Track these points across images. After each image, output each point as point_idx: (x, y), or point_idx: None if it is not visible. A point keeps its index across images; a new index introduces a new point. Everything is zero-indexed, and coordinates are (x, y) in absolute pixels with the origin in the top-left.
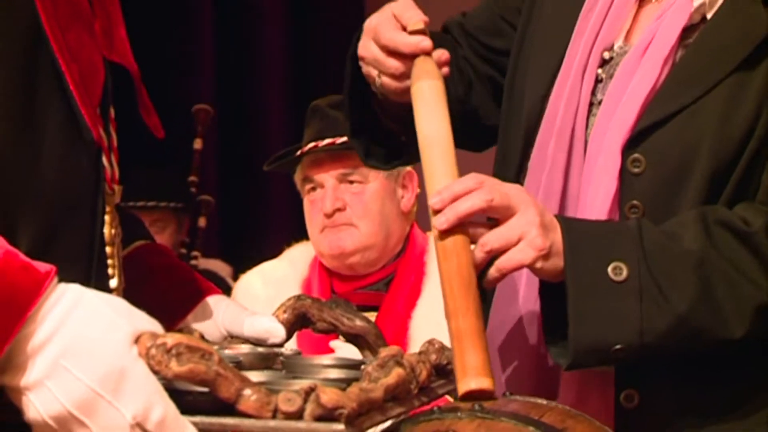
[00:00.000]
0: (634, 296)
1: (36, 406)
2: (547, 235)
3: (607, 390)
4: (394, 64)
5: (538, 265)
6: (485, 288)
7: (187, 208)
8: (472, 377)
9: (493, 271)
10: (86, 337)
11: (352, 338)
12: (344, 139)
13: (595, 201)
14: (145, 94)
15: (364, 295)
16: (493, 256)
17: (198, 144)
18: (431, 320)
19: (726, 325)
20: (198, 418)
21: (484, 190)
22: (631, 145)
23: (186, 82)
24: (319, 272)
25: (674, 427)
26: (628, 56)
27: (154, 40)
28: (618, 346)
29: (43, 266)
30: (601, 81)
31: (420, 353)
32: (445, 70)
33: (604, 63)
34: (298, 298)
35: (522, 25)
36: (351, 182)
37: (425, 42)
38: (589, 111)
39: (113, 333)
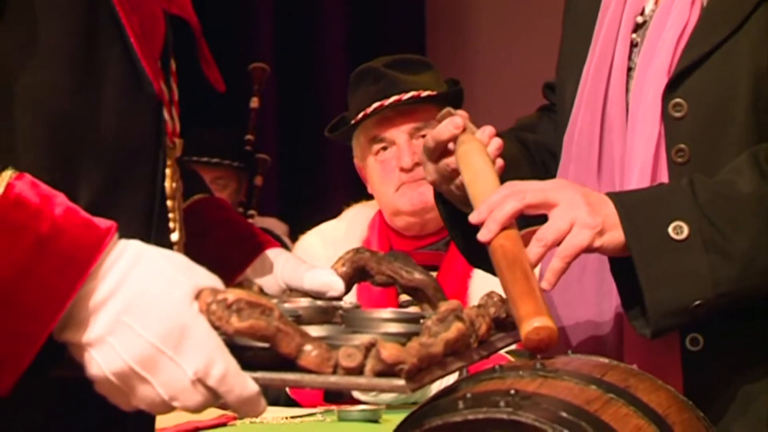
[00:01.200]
0: (700, 250)
1: (98, 362)
2: (598, 211)
3: (673, 334)
4: (446, 161)
5: (597, 243)
6: (558, 279)
7: (247, 167)
8: (533, 317)
9: (556, 262)
10: (147, 294)
11: (411, 291)
12: (410, 95)
13: (639, 150)
14: (206, 47)
15: (423, 254)
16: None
17: (255, 102)
18: (491, 279)
19: None
20: (259, 374)
21: (516, 192)
22: (670, 90)
23: (243, 39)
24: (378, 232)
25: (740, 369)
26: (658, 12)
27: None
28: (697, 302)
29: (103, 222)
30: (636, 45)
31: (479, 306)
32: (495, 143)
33: (637, 28)
34: (356, 251)
35: (563, 26)
36: (423, 136)
37: (452, 118)
38: (628, 76)
39: (174, 289)
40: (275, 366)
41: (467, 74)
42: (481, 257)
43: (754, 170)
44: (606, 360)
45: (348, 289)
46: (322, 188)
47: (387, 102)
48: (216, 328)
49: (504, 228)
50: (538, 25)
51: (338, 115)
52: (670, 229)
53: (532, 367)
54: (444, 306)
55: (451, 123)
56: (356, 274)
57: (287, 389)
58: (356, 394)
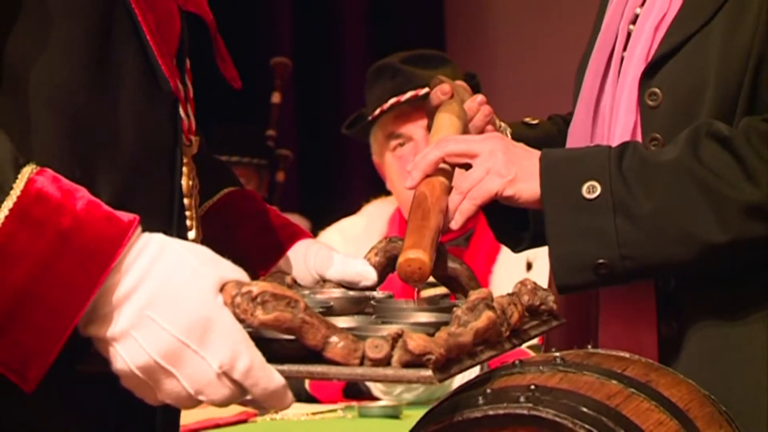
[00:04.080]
0: (608, 211)
1: (123, 356)
2: (515, 162)
3: (649, 316)
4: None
5: (509, 191)
6: (467, 221)
7: (269, 163)
8: (409, 249)
9: (465, 203)
10: (171, 287)
11: (445, 280)
12: (427, 90)
13: (618, 140)
14: (222, 44)
15: None
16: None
17: (276, 98)
18: (512, 275)
19: (707, 227)
20: (285, 366)
21: (440, 143)
22: (647, 77)
23: (263, 34)
24: (399, 228)
25: (709, 356)
26: (649, 0)
27: None
28: (600, 260)
29: (126, 216)
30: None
31: (512, 294)
32: (484, 111)
33: (636, 18)
34: (389, 240)
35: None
36: None
37: (441, 85)
38: (621, 67)
39: (198, 282)
40: (301, 358)
41: (487, 69)
42: (507, 234)
43: (687, 141)
44: (627, 354)
45: (381, 279)
46: (344, 184)
47: (404, 97)
48: (241, 320)
49: (427, 176)
50: (559, 18)
51: (358, 109)
52: (584, 188)
53: (552, 361)
54: (474, 294)
55: (439, 90)
56: (389, 263)
57: (306, 385)
58: (376, 393)
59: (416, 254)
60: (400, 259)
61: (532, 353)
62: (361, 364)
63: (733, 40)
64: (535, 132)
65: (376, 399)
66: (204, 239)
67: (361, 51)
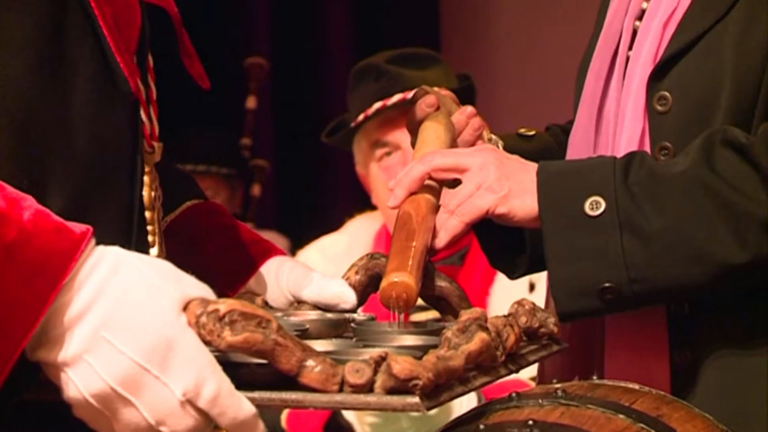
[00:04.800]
0: (613, 228)
1: (76, 383)
2: (509, 176)
3: (661, 346)
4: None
5: (502, 209)
6: (453, 241)
7: (240, 174)
8: (393, 272)
9: (452, 220)
10: (129, 305)
11: (433, 301)
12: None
13: (623, 150)
14: (187, 38)
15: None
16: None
17: (251, 102)
18: (512, 296)
19: (722, 245)
20: (256, 394)
21: (425, 157)
22: (655, 80)
23: (238, 32)
24: (386, 246)
25: (727, 387)
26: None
27: None
28: (606, 284)
29: (78, 227)
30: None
31: (508, 315)
32: (473, 124)
33: (642, 14)
34: (371, 257)
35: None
36: None
37: (426, 97)
38: (626, 68)
39: (159, 300)
40: (274, 385)
41: (485, 70)
42: (502, 258)
43: (700, 151)
44: (636, 386)
45: (362, 300)
46: (326, 198)
47: (390, 101)
48: (207, 343)
49: (412, 193)
50: (565, 15)
51: (341, 115)
52: (586, 204)
53: (552, 394)
54: (466, 315)
55: (423, 102)
56: (371, 282)
57: (282, 421)
58: (359, 430)
59: (401, 278)
60: (383, 284)
61: (532, 384)
62: (341, 390)
63: (751, 38)
64: (531, 145)
65: None
66: (166, 257)
67: (346, 50)
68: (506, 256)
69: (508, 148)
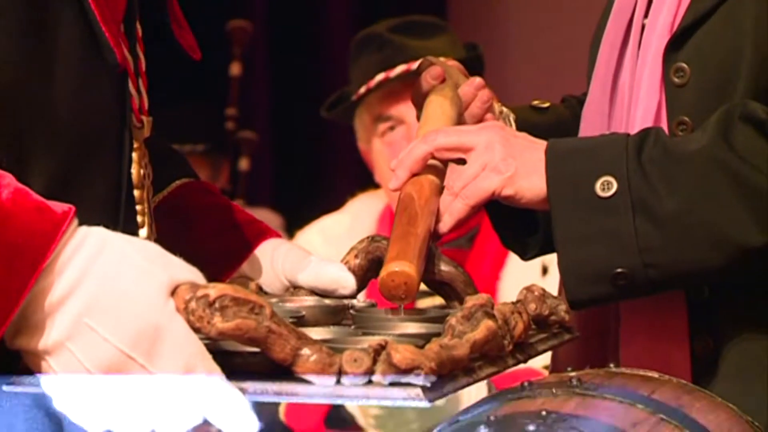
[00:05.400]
0: (626, 211)
1: (57, 372)
2: (516, 156)
3: (680, 333)
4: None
5: (508, 190)
6: (458, 225)
7: (222, 148)
8: (392, 261)
9: (457, 203)
10: (114, 290)
11: (437, 287)
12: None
13: (638, 125)
14: (177, 5)
15: (444, 252)
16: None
17: (236, 69)
18: (523, 282)
19: (740, 226)
20: (248, 384)
21: (428, 136)
22: (672, 50)
23: None
24: (390, 227)
25: (751, 375)
26: None
27: None
28: (618, 269)
29: (60, 206)
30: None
31: (516, 302)
32: (482, 96)
33: None
34: (372, 239)
35: None
36: None
37: (431, 69)
38: (642, 36)
39: (145, 284)
40: (267, 374)
41: (496, 40)
42: (514, 237)
43: (717, 127)
44: (656, 374)
45: (362, 285)
46: (325, 174)
47: (393, 73)
48: (196, 329)
49: (414, 174)
50: None
51: (343, 85)
52: (597, 185)
53: (567, 383)
54: (471, 301)
55: (428, 74)
56: (372, 267)
57: (280, 414)
58: (362, 422)
59: (401, 267)
60: (383, 273)
61: (545, 373)
62: (338, 381)
63: None
64: (545, 117)
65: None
66: (156, 239)
67: (347, 18)
68: (519, 235)
69: (521, 122)
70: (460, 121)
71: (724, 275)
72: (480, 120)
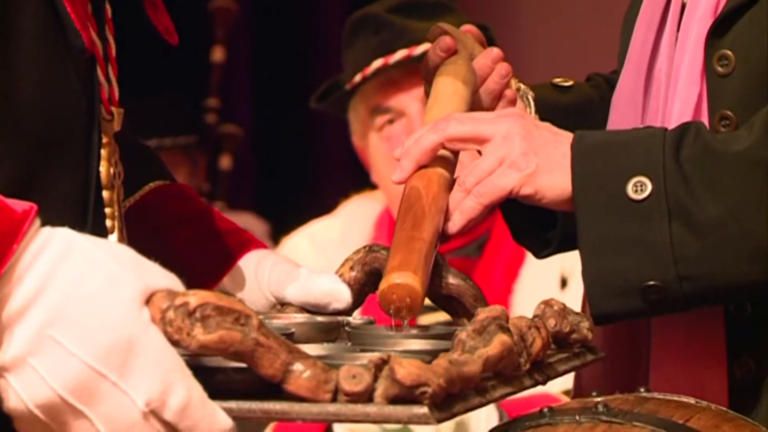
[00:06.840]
0: (661, 215)
1: (18, 391)
2: (537, 150)
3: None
4: None
5: (528, 189)
6: (469, 225)
7: (203, 142)
8: (394, 272)
9: (469, 201)
10: (81, 298)
11: (444, 301)
12: (422, 48)
13: (676, 118)
14: None
15: (449, 261)
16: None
17: (218, 55)
18: (540, 296)
19: None
20: (233, 404)
21: (439, 123)
22: (715, 36)
23: None
24: (388, 233)
25: None
26: None
27: None
28: (650, 282)
29: (20, 205)
30: None
31: (534, 317)
32: (500, 70)
33: None
34: (369, 249)
35: None
36: None
37: (441, 39)
38: (681, 19)
39: (117, 291)
40: (255, 393)
41: (508, 20)
42: (529, 233)
43: (765, 124)
44: (692, 400)
45: (359, 300)
46: (315, 173)
47: (392, 59)
48: (175, 342)
49: (421, 167)
50: None
51: (336, 73)
52: (629, 185)
53: (592, 409)
54: (483, 313)
55: (438, 46)
56: (369, 280)
57: (271, 427)
58: None
59: (404, 278)
60: (383, 285)
61: (565, 398)
62: (334, 399)
63: None
64: (568, 97)
65: None
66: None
67: None
68: (534, 229)
69: (541, 102)
70: (475, 102)
71: (767, 290)
72: (498, 97)
